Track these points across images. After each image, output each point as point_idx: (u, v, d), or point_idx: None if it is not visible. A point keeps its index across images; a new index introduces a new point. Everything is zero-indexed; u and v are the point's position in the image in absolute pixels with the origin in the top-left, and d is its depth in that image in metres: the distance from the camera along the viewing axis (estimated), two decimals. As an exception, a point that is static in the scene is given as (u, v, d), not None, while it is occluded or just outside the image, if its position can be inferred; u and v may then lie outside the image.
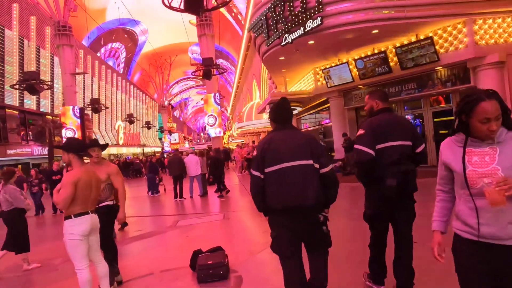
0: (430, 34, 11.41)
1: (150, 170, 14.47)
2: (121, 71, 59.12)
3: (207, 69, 26.56)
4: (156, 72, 67.49)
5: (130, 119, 50.77)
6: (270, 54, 12.77)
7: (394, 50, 12.29)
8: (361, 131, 3.14)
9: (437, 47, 11.24)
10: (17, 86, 24.73)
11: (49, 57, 35.85)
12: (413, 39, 11.84)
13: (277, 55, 12.97)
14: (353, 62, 13.73)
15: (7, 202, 5.54)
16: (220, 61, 58.47)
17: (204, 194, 12.32)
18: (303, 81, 17.73)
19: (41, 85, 25.19)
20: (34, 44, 33.59)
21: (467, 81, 11.23)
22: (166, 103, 73.93)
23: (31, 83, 24.15)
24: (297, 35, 10.73)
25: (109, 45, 56.28)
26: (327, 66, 14.67)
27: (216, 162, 11.74)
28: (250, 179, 2.73)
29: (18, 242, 5.58)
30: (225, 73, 37.68)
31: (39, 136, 28.01)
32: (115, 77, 56.04)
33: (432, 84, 12.20)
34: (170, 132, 75.09)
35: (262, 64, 22.72)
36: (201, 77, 27.97)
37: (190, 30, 45.61)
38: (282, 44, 11.26)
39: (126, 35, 57.05)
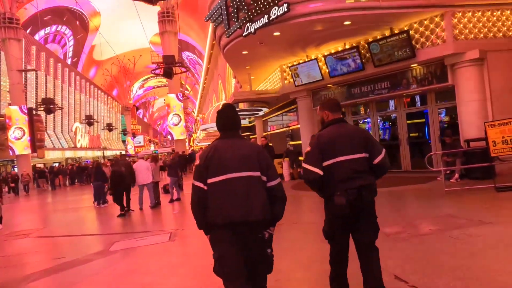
0: (406, 28, 10.47)
1: (96, 177, 12.69)
2: (69, 62, 53.25)
3: (168, 68, 24.90)
4: (119, 72, 64.45)
5: (89, 120, 47.95)
6: (231, 47, 11.42)
7: (366, 45, 11.28)
8: (308, 148, 2.96)
9: (412, 42, 10.30)
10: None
11: (-7, 52, 32.80)
12: (387, 33, 10.87)
13: (240, 49, 11.65)
14: (323, 58, 12.64)
15: None
16: (186, 54, 55.98)
17: (156, 205, 10.76)
18: (269, 79, 16.51)
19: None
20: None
21: (445, 80, 10.37)
22: (131, 101, 70.66)
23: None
24: (260, 24, 9.45)
25: (53, 28, 49.42)
26: (295, 63, 13.52)
27: (118, 177, 10.17)
28: (192, 191, 2.50)
29: None
30: (189, 72, 35.83)
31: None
32: (73, 76, 52.85)
33: (407, 83, 11.28)
34: (134, 135, 72.10)
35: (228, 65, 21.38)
36: (161, 76, 26.28)
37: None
38: (244, 34, 9.94)
39: (72, 17, 50.05)
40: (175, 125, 28.44)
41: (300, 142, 15.14)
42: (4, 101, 33.72)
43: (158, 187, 11.09)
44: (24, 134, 28.24)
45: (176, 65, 25.30)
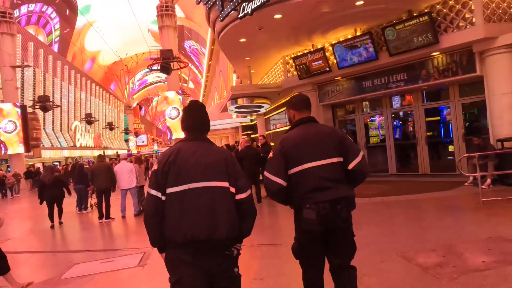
0: (427, 10, 9.07)
1: (78, 179, 11.37)
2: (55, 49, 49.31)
3: (166, 63, 23.61)
4: (122, 71, 63.40)
5: (89, 119, 46.88)
6: (227, 32, 10.07)
7: (381, 31, 9.88)
8: (271, 154, 2.52)
9: (435, 26, 8.90)
10: None
11: (-12, 48, 31.70)
12: (405, 16, 9.47)
13: (237, 35, 10.30)
14: (330, 48, 11.26)
15: None
16: (189, 43, 54.07)
17: (140, 213, 9.43)
18: (271, 73, 15.15)
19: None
20: (-31, 32, 29.47)
21: (472, 70, 8.96)
22: (127, 97, 69.48)
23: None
24: (258, 3, 8.08)
25: (33, 6, 44.48)
26: (299, 54, 12.15)
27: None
28: (146, 200, 2.12)
29: None
30: (192, 66, 34.36)
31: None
32: (73, 74, 51.81)
33: (427, 75, 9.87)
34: (137, 134, 71.16)
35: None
36: (159, 71, 25.02)
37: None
38: (239, 16, 8.59)
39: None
40: (173, 118, 27.17)
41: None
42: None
43: (143, 192, 9.78)
44: (16, 128, 27.00)
45: (174, 60, 24.03)
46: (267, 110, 17.46)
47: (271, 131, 19.78)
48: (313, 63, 11.66)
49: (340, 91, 12.08)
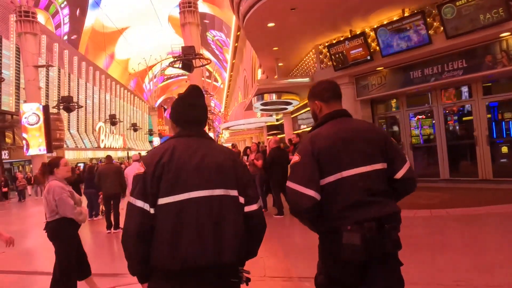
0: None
1: (88, 183, 10.29)
2: (65, 30, 46.51)
3: (187, 60, 22.58)
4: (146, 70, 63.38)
5: (112, 120, 46.80)
6: (253, 15, 8.73)
7: (436, 10, 8.31)
8: (295, 157, 1.91)
9: (508, -1, 7.28)
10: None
11: (14, 49, 31.75)
12: (467, -10, 7.86)
13: (264, 18, 8.95)
14: (372, 33, 9.75)
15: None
16: (212, 33, 52.23)
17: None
18: (301, 66, 13.70)
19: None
20: (-6, 32, 29.53)
21: (554, 53, 7.26)
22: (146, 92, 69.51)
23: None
24: (292, -27, 6.70)
25: None
26: (335, 41, 10.68)
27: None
28: (127, 213, 1.62)
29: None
30: (210, 63, 33.21)
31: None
32: (97, 75, 51.99)
33: (492, 61, 8.21)
34: (161, 135, 71.20)
35: (253, 54, 18.74)
36: (180, 69, 24.01)
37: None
38: (268, -10, 7.23)
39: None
40: None
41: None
42: (23, 99, 32.59)
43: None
44: (38, 120, 26.59)
45: (196, 57, 22.96)
46: (295, 107, 16.02)
47: (299, 131, 18.32)
48: (351, 52, 10.17)
49: (382, 84, 10.52)
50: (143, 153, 49.99)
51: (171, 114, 1.84)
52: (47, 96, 36.60)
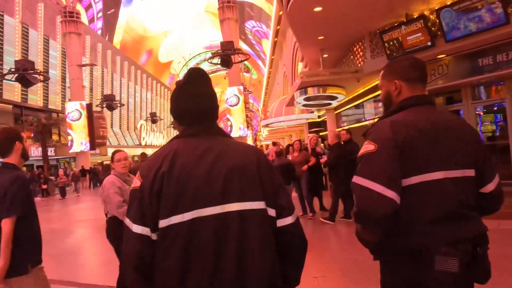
0: None
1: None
2: (98, 26, 46.06)
3: (226, 55, 22.12)
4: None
5: (153, 118, 47.70)
6: (298, -1, 7.88)
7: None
8: (368, 146, 1.49)
9: None
10: (7, 77, 21.47)
11: (60, 49, 32.82)
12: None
13: (311, 2, 8.08)
14: (432, 16, 8.60)
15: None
16: (251, 24, 51.04)
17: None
18: (348, 57, 12.66)
19: (35, 76, 21.81)
20: (42, 33, 30.59)
21: None
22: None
23: (22, 73, 20.72)
24: None
25: None
26: (388, 27, 9.60)
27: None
28: (125, 243, 1.29)
29: None
30: (248, 58, 32.58)
31: (40, 135, 24.59)
32: (139, 74, 53.13)
33: None
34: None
35: (294, 48, 17.85)
36: (219, 65, 23.63)
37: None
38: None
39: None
40: (233, 105, 25.88)
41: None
42: (68, 97, 33.70)
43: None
44: (80, 116, 27.24)
45: (235, 52, 22.46)
46: (340, 102, 14.97)
47: (343, 128, 17.23)
48: (408, 38, 9.05)
49: (443, 73, 9.32)
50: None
51: (171, 110, 1.46)
52: (91, 95, 37.64)
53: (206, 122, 1.40)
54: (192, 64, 66.54)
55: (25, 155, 2.65)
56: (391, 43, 9.47)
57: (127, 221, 1.29)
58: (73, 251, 7.21)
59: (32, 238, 2.54)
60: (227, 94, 27.35)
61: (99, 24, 46.41)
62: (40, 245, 2.63)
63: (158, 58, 59.06)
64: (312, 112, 20.93)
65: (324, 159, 7.27)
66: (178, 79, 1.57)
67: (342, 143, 7.10)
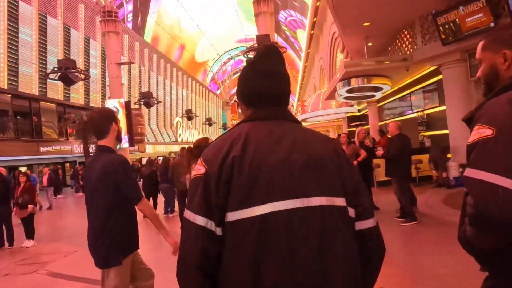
0: None
1: (163, 177, 9.74)
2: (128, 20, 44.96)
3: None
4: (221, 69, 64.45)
5: (189, 115, 48.22)
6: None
7: None
8: (484, 130, 1.21)
9: None
10: (51, 76, 22.17)
11: (99, 48, 33.70)
12: None
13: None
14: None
15: None
16: (284, 14, 49.58)
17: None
18: (395, 44, 11.86)
19: (76, 74, 22.38)
20: (83, 33, 31.49)
21: None
22: (207, 82, 70.48)
23: (64, 72, 21.30)
24: None
25: None
26: (443, 9, 8.78)
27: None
28: (182, 235, 1.14)
29: None
30: (285, 51, 31.72)
31: (82, 132, 25.32)
32: (175, 72, 53.89)
33: None
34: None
35: (332, 39, 17.14)
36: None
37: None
38: None
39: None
40: None
41: (444, 131, 10.31)
42: (107, 95, 34.57)
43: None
44: (118, 113, 27.77)
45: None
46: (384, 94, 14.15)
47: (386, 121, 16.36)
48: (467, 19, 8.22)
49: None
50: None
51: (238, 90, 1.32)
52: (129, 93, 38.49)
53: (280, 105, 1.26)
54: (225, 59, 66.75)
55: (119, 137, 2.60)
56: (447, 26, 8.65)
57: (188, 214, 1.13)
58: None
59: (127, 225, 2.50)
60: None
61: (129, 24, 47.16)
62: (137, 232, 2.59)
63: (195, 58, 59.62)
64: (352, 105, 20.13)
65: (380, 152, 6.62)
66: (247, 58, 1.26)
67: (370, 139, 6.51)
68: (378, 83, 11.66)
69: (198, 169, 1.15)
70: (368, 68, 10.76)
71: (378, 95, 13.93)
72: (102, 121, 2.51)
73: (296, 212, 1.08)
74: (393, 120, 11.13)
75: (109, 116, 2.55)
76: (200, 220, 1.09)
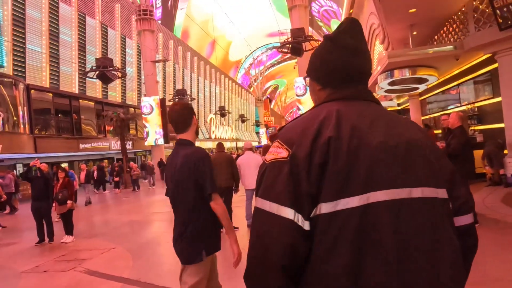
0: None
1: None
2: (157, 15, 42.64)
3: (297, 43, 21.16)
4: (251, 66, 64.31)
5: (222, 111, 48.46)
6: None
7: None
8: None
9: None
10: (89, 74, 22.75)
11: (135, 47, 34.35)
12: None
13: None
14: None
15: None
16: (317, 3, 47.42)
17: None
18: (443, 32, 11.07)
19: (114, 73, 22.84)
20: (119, 33, 32.18)
21: None
22: (237, 79, 70.20)
23: (102, 70, 21.78)
24: None
25: None
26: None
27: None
28: (256, 228, 0.98)
29: None
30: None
31: (119, 129, 25.89)
32: (208, 69, 54.26)
33: None
34: (267, 126, 72.28)
35: (370, 31, 16.36)
36: (289, 54, 22.77)
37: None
38: None
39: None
40: (300, 96, 25.28)
41: (498, 125, 9.49)
42: (143, 93, 35.22)
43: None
44: (152, 110, 28.16)
45: (306, 39, 21.43)
46: (429, 86, 13.31)
47: (429, 116, 15.46)
48: (529, 0, 7.42)
49: None
50: (254, 144, 50.91)
51: (312, 68, 1.16)
52: (164, 90, 39.05)
53: (362, 85, 1.13)
54: (257, 54, 66.42)
55: (197, 131, 2.59)
56: (505, 9, 7.86)
57: (268, 204, 0.96)
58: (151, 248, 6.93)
59: (212, 223, 2.47)
60: (297, 83, 26.68)
61: (158, 13, 47.41)
62: (219, 231, 2.55)
63: (228, 55, 59.75)
64: (391, 99, 19.27)
65: (441, 144, 5.99)
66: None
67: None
68: (423, 74, 10.92)
69: (278, 152, 0.99)
70: (413, 58, 10.06)
71: (422, 87, 13.12)
72: (185, 114, 2.48)
73: (401, 204, 0.95)
74: (454, 110, 10.34)
75: (191, 110, 2.53)
76: (286, 212, 0.93)
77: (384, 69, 10.82)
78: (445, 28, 10.62)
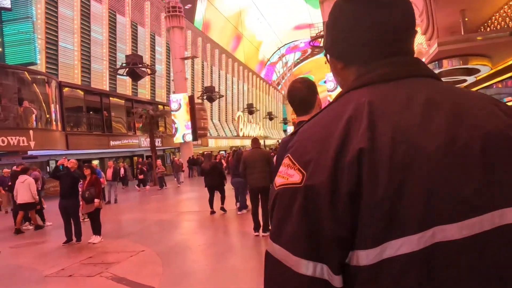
0: None
1: (234, 169, 9.02)
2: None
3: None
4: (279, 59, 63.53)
5: (250, 109, 48.07)
6: None
7: None
8: None
9: None
10: (120, 72, 22.78)
11: (164, 45, 34.39)
12: None
13: None
14: None
15: None
16: None
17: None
18: (497, 17, 10.02)
19: (143, 69, 22.76)
20: (149, 30, 32.28)
21: None
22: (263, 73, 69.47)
23: (132, 67, 21.72)
24: None
25: None
26: None
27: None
28: (268, 281, 0.69)
29: None
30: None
31: (148, 126, 25.89)
32: (236, 67, 54.01)
33: None
34: (294, 124, 71.80)
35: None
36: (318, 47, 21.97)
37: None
38: None
39: None
40: (331, 90, 24.70)
41: None
42: (172, 90, 35.27)
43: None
44: (179, 107, 28.10)
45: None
46: (478, 78, 12.20)
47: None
48: None
49: None
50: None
51: (328, 39, 0.82)
52: (192, 87, 39.00)
53: (406, 54, 0.75)
54: (284, 49, 65.55)
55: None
56: None
57: (280, 252, 0.67)
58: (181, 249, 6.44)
59: None
60: (328, 77, 25.98)
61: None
62: None
63: (258, 57, 59.27)
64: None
65: None
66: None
67: None
68: (476, 64, 9.92)
69: (289, 174, 0.68)
70: (467, 45, 9.10)
71: (470, 79, 12.03)
72: (310, 93, 2.15)
73: (485, 238, 0.62)
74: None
75: (315, 88, 2.19)
76: (301, 265, 0.64)
77: (432, 59, 9.90)
78: (501, 11, 9.58)
